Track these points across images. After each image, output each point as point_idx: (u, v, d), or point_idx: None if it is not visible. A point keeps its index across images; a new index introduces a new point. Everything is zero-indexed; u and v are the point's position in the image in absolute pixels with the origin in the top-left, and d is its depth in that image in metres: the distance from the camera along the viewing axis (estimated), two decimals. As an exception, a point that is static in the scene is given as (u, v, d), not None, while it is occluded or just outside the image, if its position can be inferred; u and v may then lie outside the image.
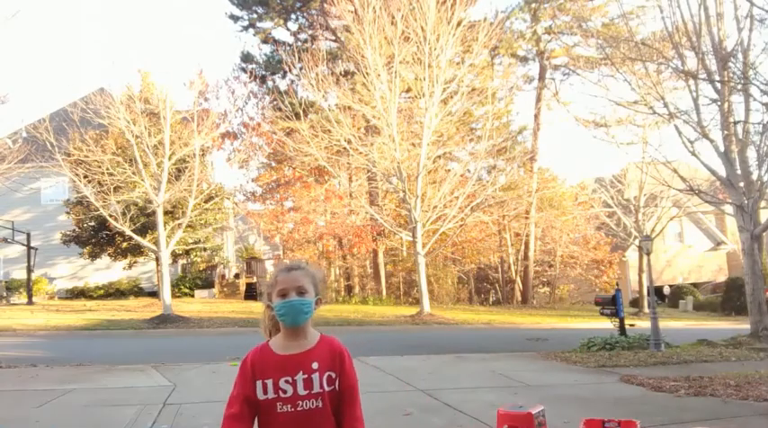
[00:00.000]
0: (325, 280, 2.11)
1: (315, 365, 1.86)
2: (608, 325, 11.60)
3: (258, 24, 27.92)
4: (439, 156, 21.87)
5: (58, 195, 24.04)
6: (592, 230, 29.26)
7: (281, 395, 1.83)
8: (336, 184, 27.13)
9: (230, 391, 1.90)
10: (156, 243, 17.03)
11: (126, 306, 20.22)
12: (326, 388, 1.85)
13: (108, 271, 24.16)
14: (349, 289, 28.85)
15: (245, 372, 1.89)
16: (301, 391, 1.84)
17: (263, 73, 27.79)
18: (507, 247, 29.56)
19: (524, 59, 29.63)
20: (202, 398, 6.08)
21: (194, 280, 24.94)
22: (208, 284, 25.30)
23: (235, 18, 27.84)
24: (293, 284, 1.89)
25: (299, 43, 25.78)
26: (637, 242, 20.45)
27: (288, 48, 23.66)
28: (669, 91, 13.47)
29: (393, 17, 17.95)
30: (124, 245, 20.56)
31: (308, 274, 1.95)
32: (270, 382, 1.84)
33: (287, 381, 1.84)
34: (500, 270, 30.10)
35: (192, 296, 24.02)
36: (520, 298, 28.62)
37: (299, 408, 1.82)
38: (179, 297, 22.86)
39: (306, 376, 1.84)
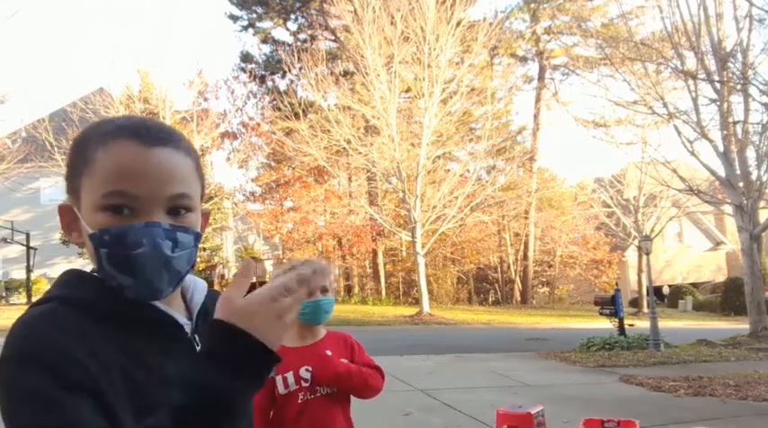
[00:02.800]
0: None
1: (329, 353, 1.91)
2: (607, 325, 11.60)
3: (258, 24, 27.94)
4: (438, 156, 21.87)
5: (57, 195, 24.03)
6: (591, 230, 29.25)
7: (303, 384, 1.86)
8: (336, 184, 27.12)
9: None
10: (156, 243, 16.99)
11: (125, 306, 20.19)
12: None
13: (107, 271, 24.16)
14: (348, 288, 28.84)
15: None
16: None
17: (263, 73, 27.80)
18: (507, 247, 29.56)
19: (524, 59, 29.67)
20: None
21: (194, 279, 24.90)
22: (207, 284, 25.26)
23: (234, 18, 27.86)
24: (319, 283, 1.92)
25: (299, 43, 25.79)
26: (636, 242, 20.45)
27: (287, 48, 23.66)
28: (668, 91, 13.49)
29: (392, 17, 17.96)
30: (123, 244, 20.55)
31: (329, 272, 2.03)
32: (290, 374, 1.86)
33: (307, 370, 1.87)
34: (499, 270, 30.10)
35: (192, 296, 23.99)
36: (519, 298, 28.62)
37: (317, 394, 1.86)
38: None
39: (323, 362, 1.89)
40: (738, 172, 11.93)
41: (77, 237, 0.85)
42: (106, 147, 0.79)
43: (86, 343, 0.73)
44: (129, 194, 0.77)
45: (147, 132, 0.80)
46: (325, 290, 1.92)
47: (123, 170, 0.77)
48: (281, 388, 1.86)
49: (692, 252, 31.19)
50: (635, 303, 24.08)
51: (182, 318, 0.85)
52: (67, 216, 0.86)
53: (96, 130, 0.82)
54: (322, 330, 2.01)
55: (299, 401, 1.85)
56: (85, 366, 0.71)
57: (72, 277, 0.84)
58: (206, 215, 0.92)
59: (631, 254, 27.38)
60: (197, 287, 0.91)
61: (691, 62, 12.12)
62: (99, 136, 0.80)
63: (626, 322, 11.45)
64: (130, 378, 0.75)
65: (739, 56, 11.61)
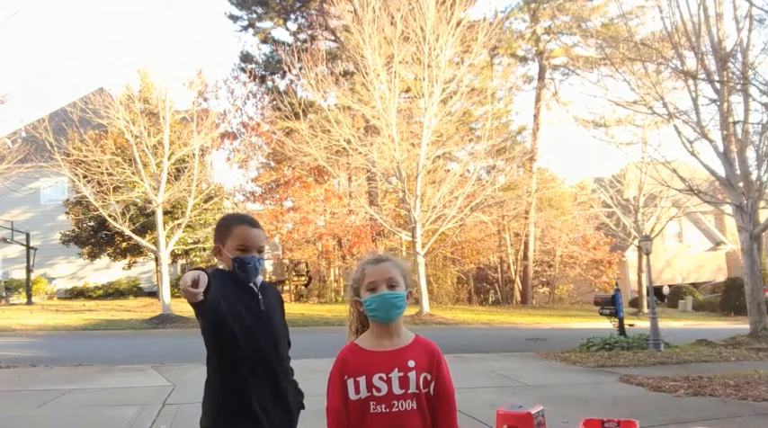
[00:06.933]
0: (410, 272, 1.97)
1: (411, 363, 1.73)
2: (607, 325, 11.60)
3: (257, 24, 27.92)
4: (438, 156, 21.85)
5: (57, 195, 24.01)
6: (591, 230, 29.25)
7: (375, 393, 1.70)
8: (336, 184, 27.12)
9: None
10: (156, 243, 17.02)
11: (125, 306, 20.20)
12: (423, 390, 1.72)
13: (107, 271, 24.14)
14: (348, 289, 28.83)
15: (334, 375, 1.77)
16: (397, 390, 1.70)
17: (263, 73, 27.79)
18: (507, 247, 29.55)
19: (524, 59, 29.65)
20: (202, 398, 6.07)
21: (194, 280, 24.90)
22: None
23: (234, 18, 27.84)
24: (383, 276, 1.77)
25: (299, 43, 25.77)
26: (636, 242, 20.45)
27: (287, 48, 23.65)
28: (668, 91, 13.48)
29: (392, 17, 17.94)
30: (123, 245, 20.54)
31: (397, 266, 1.82)
32: (362, 379, 1.71)
33: (381, 378, 1.70)
34: (499, 270, 30.09)
35: (192, 296, 23.98)
36: (519, 298, 28.62)
37: (393, 409, 1.69)
38: (178, 297, 22.80)
39: (402, 374, 1.71)
40: (738, 172, 11.92)
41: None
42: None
43: None
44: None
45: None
46: (392, 284, 1.76)
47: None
48: (351, 393, 1.71)
49: (692, 252, 31.20)
50: (635, 303, 24.08)
51: (255, 288, 2.18)
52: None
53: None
54: (409, 334, 1.81)
55: (372, 412, 1.69)
56: None
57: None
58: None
59: (631, 254, 27.37)
60: (259, 278, 2.20)
61: (691, 62, 12.11)
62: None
63: (626, 322, 11.45)
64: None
65: (739, 56, 11.60)
